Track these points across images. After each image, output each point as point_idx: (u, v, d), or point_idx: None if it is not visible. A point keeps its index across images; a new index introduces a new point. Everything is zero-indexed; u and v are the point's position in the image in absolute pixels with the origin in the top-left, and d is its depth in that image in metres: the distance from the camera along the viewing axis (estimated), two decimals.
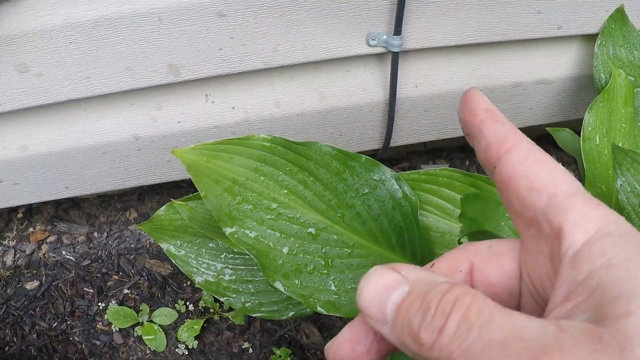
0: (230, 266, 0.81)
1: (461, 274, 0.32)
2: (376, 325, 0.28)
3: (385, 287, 0.28)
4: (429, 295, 0.26)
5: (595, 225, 0.27)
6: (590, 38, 0.99)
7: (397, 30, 0.86)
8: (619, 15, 0.96)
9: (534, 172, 0.29)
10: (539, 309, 0.30)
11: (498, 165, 0.30)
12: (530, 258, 0.30)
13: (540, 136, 1.28)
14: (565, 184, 0.28)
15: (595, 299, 0.25)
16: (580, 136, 0.86)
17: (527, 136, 0.31)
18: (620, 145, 0.83)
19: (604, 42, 0.96)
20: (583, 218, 0.27)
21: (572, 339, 0.23)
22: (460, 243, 0.63)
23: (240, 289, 0.80)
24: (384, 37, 0.88)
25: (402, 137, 1.06)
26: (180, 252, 0.82)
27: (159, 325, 1.09)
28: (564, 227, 0.27)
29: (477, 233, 0.65)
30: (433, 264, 0.33)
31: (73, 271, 1.14)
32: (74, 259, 1.15)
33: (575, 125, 0.88)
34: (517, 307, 0.32)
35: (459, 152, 1.31)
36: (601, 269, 0.25)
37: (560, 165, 0.29)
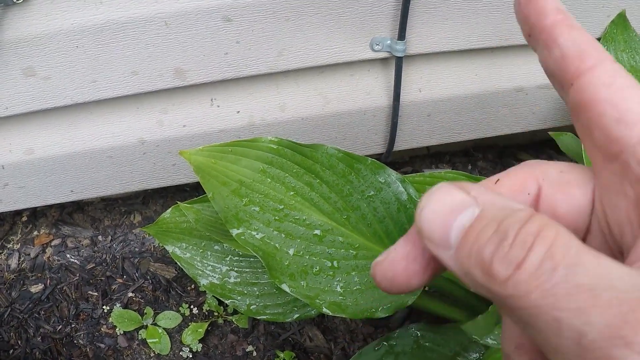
0: (236, 269, 0.82)
1: (529, 197, 0.28)
2: (436, 250, 0.25)
3: (451, 207, 0.25)
4: (505, 222, 0.23)
5: None
6: None
7: (401, 35, 0.87)
8: (621, 21, 0.96)
9: (624, 100, 0.25)
10: (610, 251, 0.27)
11: (577, 83, 0.26)
12: (609, 197, 0.26)
13: (543, 140, 1.28)
14: None
15: None
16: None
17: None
18: None
19: (605, 47, 0.97)
20: None
21: None
22: None
23: (245, 292, 0.81)
24: (388, 42, 0.89)
25: (405, 141, 1.06)
26: (185, 254, 0.82)
27: (163, 328, 1.09)
28: None
29: None
30: (498, 179, 0.29)
31: (77, 274, 1.14)
32: (78, 262, 1.15)
33: None
34: None
35: (461, 156, 1.32)
36: None
37: None
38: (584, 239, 0.28)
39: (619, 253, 0.26)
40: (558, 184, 0.28)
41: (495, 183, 0.29)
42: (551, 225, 0.22)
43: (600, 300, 0.20)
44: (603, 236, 0.27)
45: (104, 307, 1.11)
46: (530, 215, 0.23)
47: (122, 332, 1.09)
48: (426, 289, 0.90)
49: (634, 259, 0.24)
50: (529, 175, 0.28)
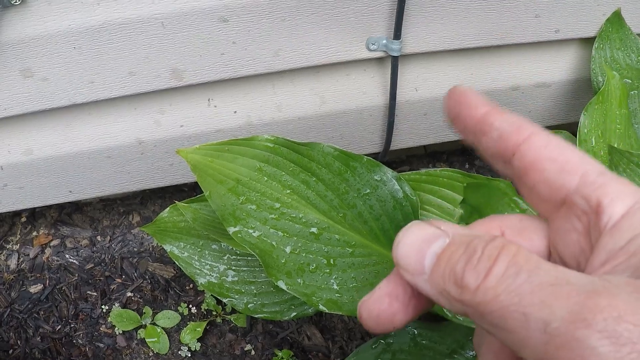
0: (233, 267, 0.82)
1: None
2: (412, 277, 0.28)
3: (424, 239, 0.28)
4: (473, 243, 0.26)
5: (632, 199, 0.27)
6: (588, 41, 1.00)
7: (397, 35, 0.87)
8: (616, 19, 0.97)
9: (561, 155, 0.29)
10: None
11: (518, 151, 0.30)
12: (561, 237, 0.30)
13: None
14: (593, 164, 0.29)
15: (636, 260, 0.25)
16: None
17: None
18: (615, 146, 0.84)
19: (601, 45, 0.97)
20: (620, 192, 0.28)
21: (618, 288, 0.23)
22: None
23: (243, 290, 0.81)
24: (384, 41, 0.89)
25: (402, 141, 1.07)
26: (183, 253, 0.83)
27: (162, 327, 1.10)
28: (603, 201, 0.27)
29: None
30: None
31: (76, 274, 1.15)
32: (77, 263, 1.16)
33: (574, 128, 0.89)
34: None
35: (459, 155, 1.32)
36: None
37: (577, 148, 0.30)
38: None
39: None
40: (518, 230, 0.32)
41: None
42: (512, 243, 0.26)
43: (560, 293, 0.23)
44: None
45: (103, 306, 1.12)
46: (494, 237, 0.26)
47: (121, 332, 1.10)
48: None
49: (588, 272, 0.27)
50: (491, 224, 0.32)
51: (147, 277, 1.15)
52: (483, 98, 0.31)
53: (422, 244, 0.28)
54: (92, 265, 1.16)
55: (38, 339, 1.09)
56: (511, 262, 0.25)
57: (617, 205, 0.27)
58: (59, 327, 1.10)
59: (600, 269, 0.26)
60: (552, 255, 0.31)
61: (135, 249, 1.18)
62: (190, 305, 1.12)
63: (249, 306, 0.81)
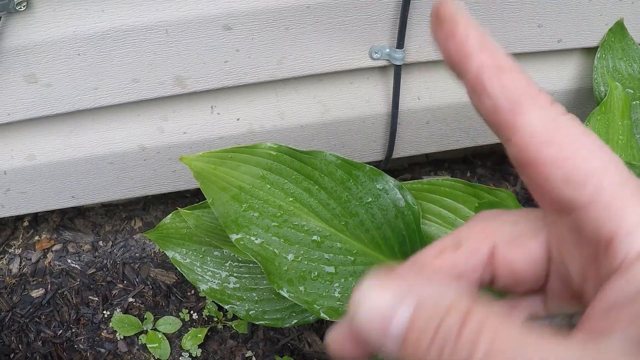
0: (235, 274, 0.82)
1: (484, 257, 0.27)
2: (377, 343, 0.24)
3: (387, 306, 0.23)
4: (442, 327, 0.22)
5: None
6: (590, 51, 1.01)
7: (400, 44, 0.88)
8: (619, 29, 0.97)
9: (568, 157, 0.23)
10: (567, 293, 0.27)
11: (515, 139, 0.24)
12: (566, 248, 0.26)
13: None
14: (611, 169, 0.23)
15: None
16: None
17: None
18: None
19: (603, 55, 0.98)
20: (638, 224, 0.22)
21: None
22: None
23: (245, 297, 0.82)
24: (387, 50, 0.90)
25: (404, 149, 1.07)
26: (185, 260, 0.83)
27: (163, 333, 1.10)
28: (618, 234, 0.22)
29: None
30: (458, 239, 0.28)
31: (78, 279, 1.15)
32: (79, 268, 1.16)
33: None
34: (543, 289, 0.28)
35: (460, 163, 1.32)
36: None
37: (595, 136, 0.24)
38: (545, 284, 0.28)
39: (578, 297, 0.26)
40: (512, 238, 0.27)
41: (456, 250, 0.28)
42: (491, 315, 0.22)
43: None
44: (560, 279, 0.27)
45: (105, 312, 1.12)
46: (469, 309, 0.22)
47: (122, 337, 1.10)
48: None
49: (590, 316, 0.23)
50: (482, 234, 0.28)
51: (148, 282, 1.15)
52: (480, 34, 0.25)
53: (384, 313, 0.23)
54: (94, 270, 1.16)
55: (39, 343, 1.09)
56: (490, 347, 0.21)
57: (635, 241, 0.22)
58: (61, 331, 1.11)
59: (603, 315, 0.22)
60: (554, 258, 0.27)
61: (137, 255, 1.18)
62: (192, 311, 1.12)
63: (250, 313, 0.81)
